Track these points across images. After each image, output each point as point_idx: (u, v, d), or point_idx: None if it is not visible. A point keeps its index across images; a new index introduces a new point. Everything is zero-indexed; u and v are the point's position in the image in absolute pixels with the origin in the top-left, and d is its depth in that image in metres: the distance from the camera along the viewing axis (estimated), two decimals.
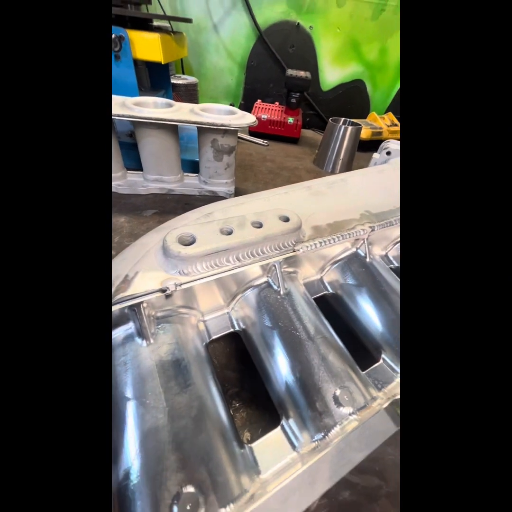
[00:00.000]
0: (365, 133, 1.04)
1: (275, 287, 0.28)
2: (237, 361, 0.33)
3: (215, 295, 0.28)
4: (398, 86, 1.17)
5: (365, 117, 1.15)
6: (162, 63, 0.62)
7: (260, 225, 0.27)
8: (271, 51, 1.08)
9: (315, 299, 0.36)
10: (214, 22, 1.04)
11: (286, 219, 0.29)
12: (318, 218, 0.33)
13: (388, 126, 1.09)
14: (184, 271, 0.24)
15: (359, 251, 0.34)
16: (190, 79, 1.03)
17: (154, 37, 0.60)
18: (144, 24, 0.65)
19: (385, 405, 0.22)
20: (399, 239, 0.41)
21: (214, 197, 0.67)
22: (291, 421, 0.22)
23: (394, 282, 0.33)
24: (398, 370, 0.27)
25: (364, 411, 0.21)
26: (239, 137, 1.02)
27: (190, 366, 0.22)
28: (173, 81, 0.98)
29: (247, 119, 0.56)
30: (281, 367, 0.24)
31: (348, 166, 0.90)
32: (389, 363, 0.28)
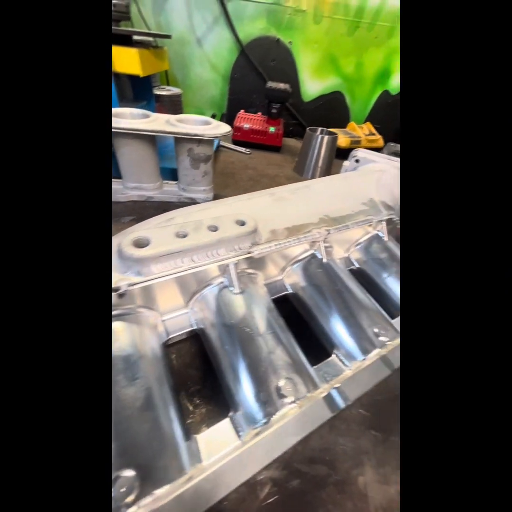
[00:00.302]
0: (344, 142, 1.08)
1: (230, 287, 0.29)
2: (201, 361, 0.34)
3: (174, 295, 0.30)
4: (374, 98, 1.23)
5: (345, 127, 1.20)
6: (141, 76, 0.65)
7: (215, 229, 0.29)
8: (253, 64, 1.13)
9: (277, 299, 0.37)
10: (198, 36, 1.08)
11: (242, 223, 0.31)
12: (277, 222, 0.35)
13: (366, 135, 1.13)
14: (139, 272, 0.25)
15: (316, 253, 0.36)
16: (174, 90, 1.06)
17: (133, 51, 0.62)
18: (124, 39, 0.68)
19: (324, 393, 0.23)
20: (360, 240, 0.44)
21: (192, 204, 0.69)
22: (239, 413, 0.23)
23: (349, 282, 0.35)
24: (348, 364, 0.28)
25: (305, 400, 0.23)
26: (222, 146, 1.05)
27: (140, 361, 0.23)
28: (157, 92, 1.01)
29: (222, 129, 0.58)
30: (232, 363, 0.25)
31: (327, 173, 0.93)
32: (341, 358, 0.29)
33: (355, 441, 0.29)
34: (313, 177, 0.92)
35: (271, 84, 0.99)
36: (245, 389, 0.23)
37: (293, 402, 0.22)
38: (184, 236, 0.27)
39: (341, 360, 0.29)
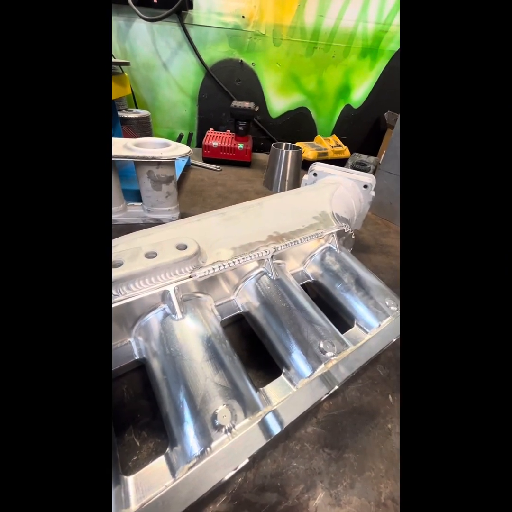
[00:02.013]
0: (311, 155, 1.12)
1: (172, 314, 0.29)
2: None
3: (116, 325, 0.29)
4: (338, 112, 1.29)
5: (313, 139, 1.24)
6: None
7: (155, 255, 0.29)
8: (219, 85, 1.17)
9: (235, 320, 0.37)
10: (163, 61, 1.11)
11: (184, 247, 0.31)
12: (225, 243, 0.35)
13: (332, 147, 1.18)
14: None
15: (265, 270, 0.36)
16: (142, 112, 1.08)
17: None
18: None
19: (259, 419, 0.23)
20: (314, 253, 0.44)
21: (159, 224, 0.69)
22: (175, 448, 0.23)
23: (299, 297, 0.35)
24: (296, 383, 0.28)
25: (240, 428, 0.22)
26: (192, 164, 1.07)
27: None
28: (124, 115, 1.02)
29: (180, 150, 0.59)
30: (170, 394, 0.25)
31: (294, 185, 0.95)
32: (289, 376, 0.29)
33: (308, 462, 0.29)
34: (281, 190, 0.94)
35: (235, 103, 1.02)
36: (182, 422, 0.23)
37: (228, 431, 0.22)
38: (119, 265, 0.27)
39: (289, 378, 0.29)
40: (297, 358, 0.30)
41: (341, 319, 0.40)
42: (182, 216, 0.73)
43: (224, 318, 0.35)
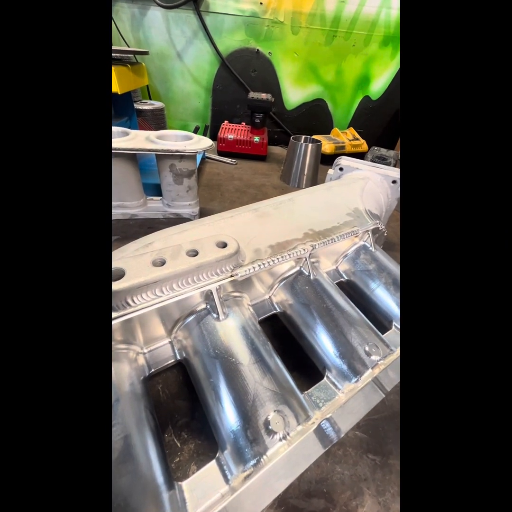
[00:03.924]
0: (329, 148, 1.09)
1: (214, 313, 0.28)
2: (189, 390, 0.33)
3: (156, 326, 0.28)
4: (356, 104, 1.25)
5: (329, 133, 1.21)
6: (119, 93, 0.64)
7: (195, 253, 0.28)
8: (234, 76, 1.14)
9: (266, 318, 0.36)
10: (178, 51, 1.08)
11: (224, 245, 0.30)
12: (261, 241, 0.34)
13: (349, 140, 1.14)
14: (115, 307, 0.24)
15: (302, 269, 0.35)
16: (157, 104, 1.06)
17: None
18: None
19: (315, 426, 0.22)
20: (347, 252, 0.43)
21: (178, 219, 0.68)
22: (226, 452, 0.22)
23: (338, 297, 0.34)
24: (340, 387, 0.27)
25: (295, 435, 0.22)
26: (207, 157, 1.05)
27: (118, 405, 0.21)
28: (139, 107, 1.00)
29: (203, 144, 0.58)
30: (217, 397, 0.24)
31: (313, 180, 0.93)
32: (333, 380, 0.28)
33: (353, 468, 0.28)
34: (299, 185, 0.92)
35: (253, 94, 0.99)
36: (232, 427, 0.22)
37: (283, 438, 0.21)
38: (162, 264, 0.26)
39: (333, 383, 0.28)
40: (341, 361, 0.29)
41: (375, 319, 0.39)
42: (201, 210, 0.72)
43: (260, 318, 0.34)
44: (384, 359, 0.28)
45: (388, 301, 0.37)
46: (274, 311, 0.35)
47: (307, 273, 0.35)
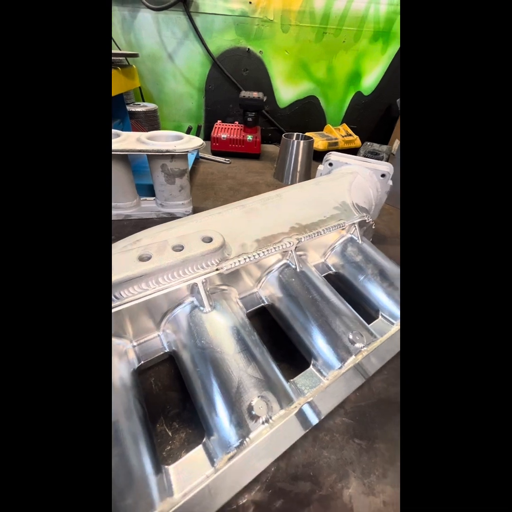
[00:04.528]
0: (322, 145, 1.10)
1: (201, 306, 0.29)
2: (181, 382, 0.34)
3: (144, 319, 0.29)
4: (348, 100, 1.25)
5: (322, 129, 1.22)
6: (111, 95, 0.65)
7: (181, 248, 0.29)
8: (226, 76, 1.14)
9: (256, 311, 0.37)
10: (169, 52, 1.09)
11: (209, 240, 0.30)
12: (247, 235, 0.35)
13: (343, 136, 1.15)
14: None
15: (289, 262, 0.36)
16: (150, 105, 1.07)
17: None
18: None
19: (296, 410, 0.23)
20: (335, 244, 0.44)
21: (172, 219, 0.68)
22: (212, 438, 0.23)
23: (324, 288, 0.35)
24: (326, 374, 0.28)
25: (278, 418, 0.22)
26: (201, 157, 1.06)
27: None
28: (132, 109, 1.01)
29: (194, 143, 0.59)
30: (203, 386, 0.25)
31: (306, 176, 0.94)
32: (318, 368, 0.29)
33: (339, 452, 0.29)
34: (292, 182, 0.93)
35: (244, 93, 1.00)
36: (218, 413, 0.23)
37: (266, 421, 0.22)
38: (148, 258, 0.27)
39: (319, 370, 0.29)
40: (326, 350, 0.29)
41: (364, 310, 0.39)
42: (195, 210, 0.73)
43: (248, 310, 0.35)
44: (367, 346, 0.29)
45: (375, 291, 0.38)
46: (263, 304, 0.36)
47: (293, 266, 0.36)
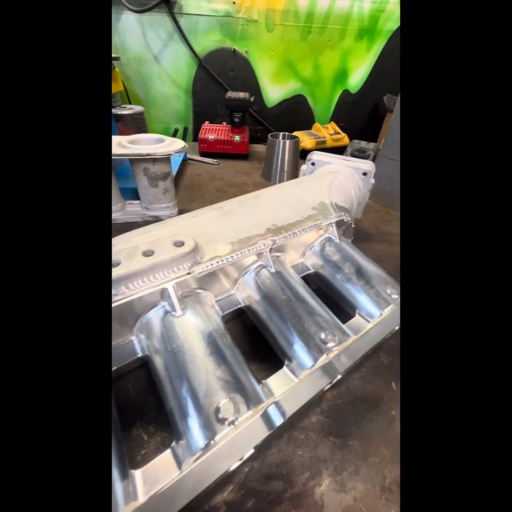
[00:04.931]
0: (310, 143, 1.10)
1: (172, 310, 0.29)
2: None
3: (116, 325, 0.29)
4: (336, 98, 1.26)
5: (311, 128, 1.22)
6: None
7: (151, 253, 0.29)
8: (213, 76, 1.14)
9: (233, 313, 0.37)
10: (154, 54, 1.09)
11: (181, 244, 0.31)
12: (222, 238, 0.35)
13: (331, 135, 1.15)
14: None
15: (264, 263, 0.36)
16: (136, 108, 1.06)
17: None
18: None
19: (261, 412, 0.23)
20: (313, 244, 0.44)
21: (157, 222, 0.68)
22: (181, 442, 0.23)
23: (300, 288, 0.35)
24: (298, 374, 0.28)
25: (243, 420, 0.23)
26: (189, 159, 1.06)
27: None
28: (118, 112, 1.01)
29: (175, 145, 0.59)
30: (173, 389, 0.25)
31: (293, 176, 0.94)
32: (291, 368, 0.29)
33: (313, 450, 0.29)
34: (280, 181, 0.93)
35: (230, 94, 1.00)
36: (186, 416, 0.23)
37: (232, 423, 0.22)
38: (117, 265, 0.27)
39: (292, 371, 0.29)
40: (299, 350, 0.30)
41: (343, 309, 0.40)
42: (181, 212, 0.73)
43: (225, 312, 0.35)
44: (339, 345, 0.30)
45: (352, 290, 0.38)
46: (240, 306, 0.37)
47: (268, 267, 0.36)
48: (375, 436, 0.31)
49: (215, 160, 1.05)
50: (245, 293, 0.37)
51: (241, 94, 1.01)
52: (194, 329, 0.28)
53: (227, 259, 0.32)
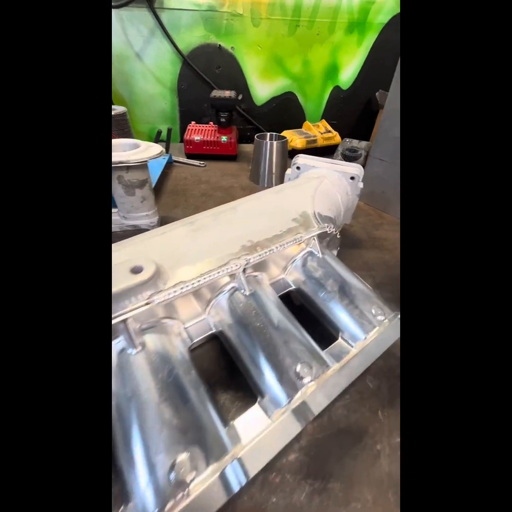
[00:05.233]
0: (299, 143, 1.07)
1: (127, 348, 0.26)
2: None
3: None
4: (326, 95, 1.22)
5: (302, 126, 1.18)
6: None
7: None
8: (198, 74, 1.10)
9: (206, 338, 0.34)
10: (136, 51, 1.04)
11: (139, 270, 0.27)
12: (191, 258, 0.32)
13: (321, 133, 1.12)
14: None
15: (237, 285, 0.33)
16: (118, 109, 1.02)
17: None
18: None
19: (217, 475, 0.20)
20: (295, 258, 0.41)
21: (136, 231, 0.65)
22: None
23: (276, 312, 0.32)
24: (271, 413, 0.26)
25: (198, 482, 0.20)
26: (175, 161, 1.02)
27: None
28: None
29: (150, 152, 0.55)
30: (128, 449, 0.22)
31: (282, 178, 0.90)
32: (264, 405, 0.27)
33: (289, 496, 0.26)
34: (268, 184, 0.90)
35: (215, 93, 0.96)
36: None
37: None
38: None
39: (264, 408, 0.26)
40: (273, 385, 0.27)
41: (325, 330, 0.37)
42: (162, 220, 0.69)
43: (196, 340, 0.32)
44: (316, 378, 0.27)
45: (335, 310, 0.36)
46: (212, 331, 0.34)
47: (242, 290, 0.33)
48: (358, 476, 0.28)
49: (201, 162, 1.01)
50: (218, 317, 0.34)
51: (227, 93, 0.97)
52: (149, 369, 0.25)
53: (192, 284, 0.29)
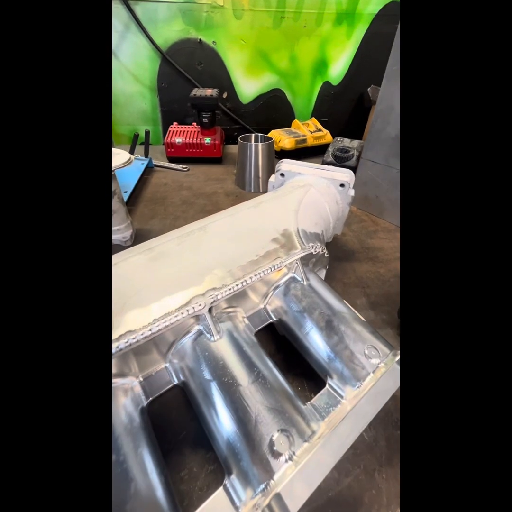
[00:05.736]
0: (288, 143, 1.01)
1: None
2: None
3: None
4: (316, 91, 1.16)
5: (291, 125, 1.12)
6: None
7: None
8: (179, 71, 1.03)
9: (160, 395, 0.29)
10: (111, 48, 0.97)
11: None
12: (144, 298, 0.26)
13: (311, 132, 1.06)
14: None
15: (202, 328, 0.28)
16: None
17: None
18: None
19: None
20: (278, 283, 0.35)
21: None
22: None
23: (247, 367, 0.26)
24: (239, 505, 0.20)
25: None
26: (155, 165, 0.95)
27: None
28: None
29: (116, 161, 0.49)
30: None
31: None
32: (233, 487, 0.21)
33: None
34: (255, 189, 0.84)
35: (196, 91, 0.90)
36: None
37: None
38: None
39: (228, 493, 0.21)
40: (243, 464, 0.21)
41: (310, 370, 0.32)
42: (138, 232, 0.63)
43: (152, 397, 0.27)
44: (294, 456, 0.21)
45: (320, 350, 0.30)
46: (174, 383, 0.28)
47: (208, 334, 0.27)
48: None
49: (184, 166, 0.95)
50: (179, 366, 0.28)
51: (209, 91, 0.91)
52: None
53: (143, 335, 0.24)
